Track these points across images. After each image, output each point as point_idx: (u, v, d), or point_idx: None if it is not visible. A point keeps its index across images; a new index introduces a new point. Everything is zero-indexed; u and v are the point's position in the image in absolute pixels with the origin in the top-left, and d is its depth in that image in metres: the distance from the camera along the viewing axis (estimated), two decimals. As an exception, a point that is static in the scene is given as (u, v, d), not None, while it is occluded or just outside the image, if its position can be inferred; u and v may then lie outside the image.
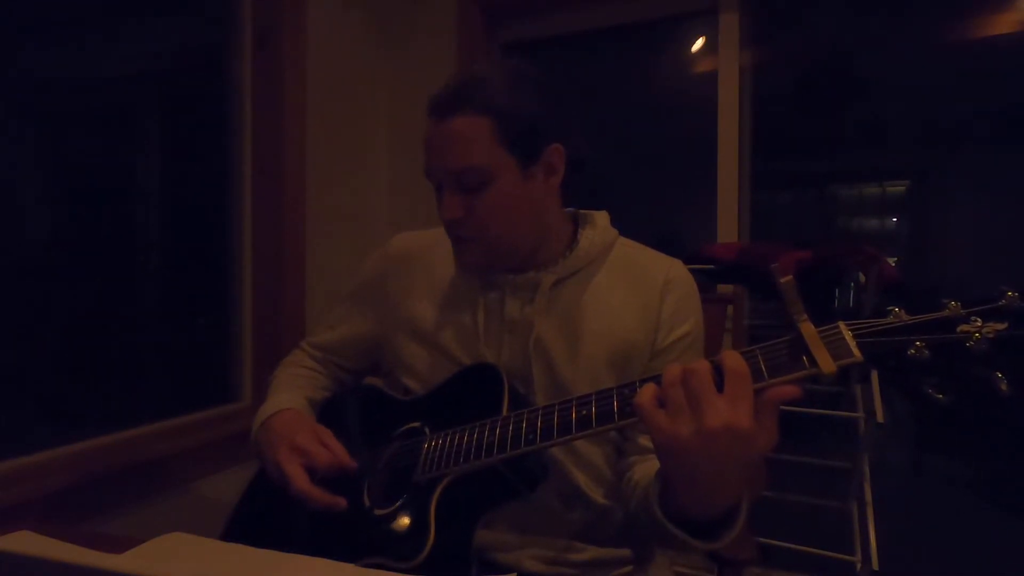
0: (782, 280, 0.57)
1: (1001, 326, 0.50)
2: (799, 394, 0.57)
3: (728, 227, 1.83)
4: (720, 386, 0.57)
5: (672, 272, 0.89)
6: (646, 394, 0.59)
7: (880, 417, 1.38)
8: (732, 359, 0.57)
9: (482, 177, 0.79)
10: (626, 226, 0.96)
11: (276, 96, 1.64)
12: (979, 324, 0.51)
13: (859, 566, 1.46)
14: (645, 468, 0.81)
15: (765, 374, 0.58)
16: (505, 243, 0.83)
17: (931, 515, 2.53)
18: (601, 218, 0.93)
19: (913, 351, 0.53)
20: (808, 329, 0.56)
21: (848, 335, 0.55)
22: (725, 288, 1.61)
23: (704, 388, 0.56)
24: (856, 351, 0.54)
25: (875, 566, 1.42)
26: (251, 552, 0.57)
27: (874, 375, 1.41)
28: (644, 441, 0.84)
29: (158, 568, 0.53)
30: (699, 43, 2.00)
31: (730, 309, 1.37)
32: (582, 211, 0.94)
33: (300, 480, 0.76)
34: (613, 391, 0.65)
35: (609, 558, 0.86)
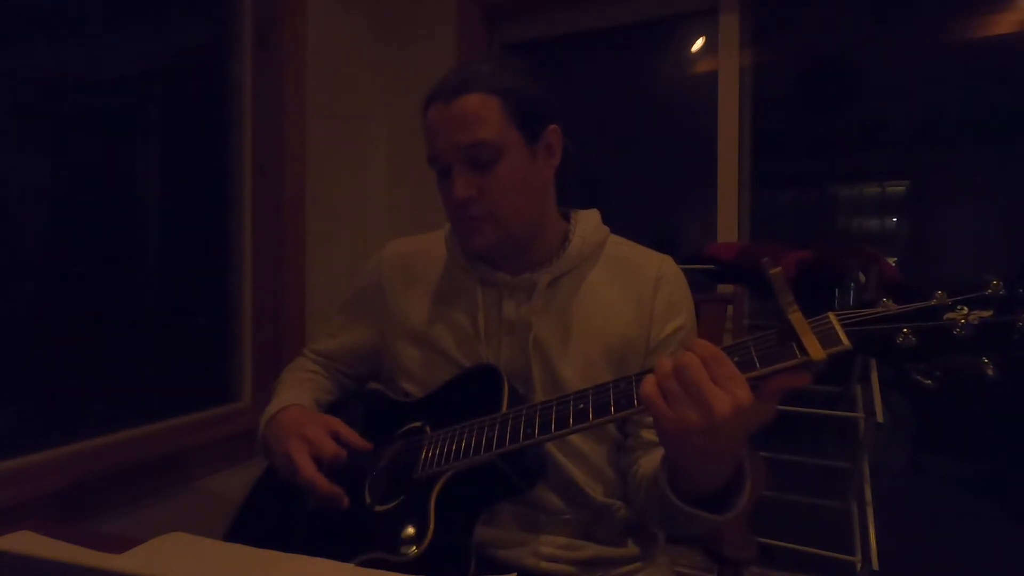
0: (772, 272, 0.59)
1: (986, 313, 0.52)
2: (807, 382, 0.58)
3: (728, 227, 1.83)
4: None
5: (663, 268, 0.90)
6: (650, 385, 0.60)
7: (880, 417, 1.38)
8: (702, 347, 0.59)
9: (493, 152, 0.80)
10: (626, 226, 0.96)
11: (276, 96, 1.64)
12: (965, 312, 0.53)
13: (859, 566, 1.46)
14: (651, 459, 0.82)
15: (757, 363, 0.59)
16: (514, 221, 0.84)
17: (931, 515, 2.52)
18: (592, 216, 0.94)
19: (901, 339, 0.55)
20: (798, 318, 0.58)
21: (837, 324, 0.57)
22: (725, 288, 1.61)
23: (702, 378, 0.57)
24: (845, 339, 0.56)
25: (875, 566, 1.42)
26: (251, 552, 0.57)
27: (874, 375, 1.42)
28: (647, 435, 0.85)
29: (158, 568, 0.53)
30: (699, 43, 2.00)
31: (730, 309, 1.37)
32: (574, 210, 0.95)
33: (307, 468, 0.77)
34: (609, 385, 0.66)
35: (609, 556, 0.86)
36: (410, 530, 0.71)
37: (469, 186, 0.81)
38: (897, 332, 0.55)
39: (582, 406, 0.66)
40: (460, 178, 0.81)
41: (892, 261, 1.50)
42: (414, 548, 0.69)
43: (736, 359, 0.59)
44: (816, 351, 0.56)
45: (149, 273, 1.54)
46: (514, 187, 0.82)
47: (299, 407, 0.90)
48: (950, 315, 0.53)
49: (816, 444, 1.72)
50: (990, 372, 0.52)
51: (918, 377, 0.55)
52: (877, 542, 1.44)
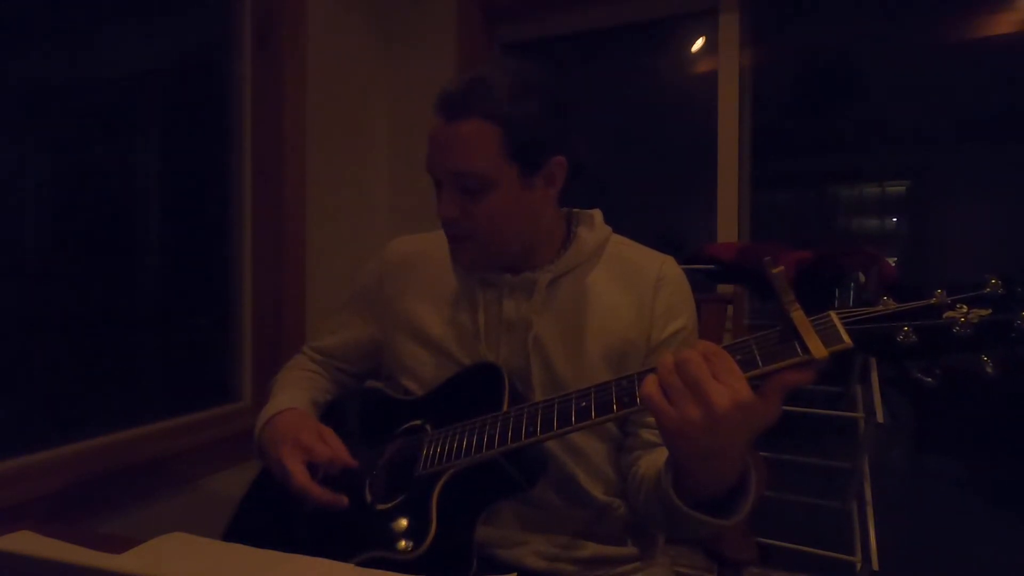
0: (773, 271, 0.59)
1: (985, 312, 0.52)
2: (810, 379, 0.58)
3: (728, 227, 1.82)
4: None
5: (664, 269, 0.89)
6: (651, 384, 0.60)
7: (880, 417, 1.38)
8: (703, 345, 0.60)
9: (482, 184, 0.79)
10: (626, 226, 0.96)
11: (276, 96, 1.64)
12: (964, 310, 0.53)
13: (859, 566, 1.45)
14: (651, 460, 0.81)
15: (759, 362, 0.59)
16: (496, 245, 0.84)
17: (931, 515, 2.53)
18: (594, 216, 0.94)
19: (902, 337, 0.55)
20: (800, 317, 0.58)
21: (838, 322, 0.57)
22: (725, 288, 1.61)
23: (702, 372, 0.57)
24: (846, 337, 0.56)
25: (875, 566, 1.42)
26: (251, 552, 0.57)
27: (874, 375, 1.41)
28: (647, 435, 0.85)
29: (158, 568, 0.53)
30: (699, 43, 2.00)
31: (730, 309, 1.37)
32: (576, 210, 0.95)
33: (301, 476, 0.77)
34: (611, 383, 0.66)
35: (610, 556, 0.86)
36: (411, 529, 0.71)
37: (454, 207, 0.81)
38: (898, 330, 0.55)
39: (584, 404, 0.66)
40: (446, 197, 0.82)
41: (892, 261, 1.50)
42: (415, 547, 0.68)
43: (738, 358, 0.59)
44: (818, 349, 0.56)
45: (149, 273, 1.54)
46: (498, 217, 0.81)
47: (296, 411, 0.89)
48: (950, 313, 0.53)
49: (816, 444, 1.72)
50: (989, 370, 0.52)
51: (918, 375, 0.56)
52: (877, 542, 1.44)
